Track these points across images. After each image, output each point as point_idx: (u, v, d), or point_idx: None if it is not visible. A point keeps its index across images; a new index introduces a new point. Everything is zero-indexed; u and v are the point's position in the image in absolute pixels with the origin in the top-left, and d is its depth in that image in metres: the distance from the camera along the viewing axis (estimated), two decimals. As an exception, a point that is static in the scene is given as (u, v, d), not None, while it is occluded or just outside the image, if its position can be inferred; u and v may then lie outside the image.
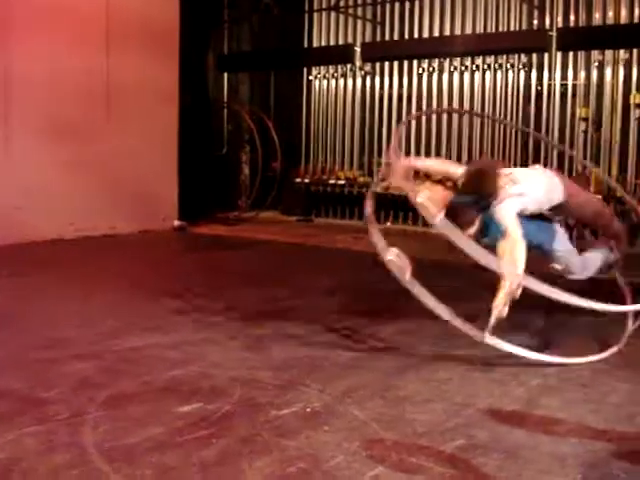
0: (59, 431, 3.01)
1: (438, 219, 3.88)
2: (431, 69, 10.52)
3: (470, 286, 5.69)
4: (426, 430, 3.12)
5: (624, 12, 9.00)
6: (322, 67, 11.53)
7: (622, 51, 9.01)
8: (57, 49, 8.44)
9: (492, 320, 3.98)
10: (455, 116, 10.43)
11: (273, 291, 6.07)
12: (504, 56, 9.90)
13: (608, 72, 9.12)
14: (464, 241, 3.74)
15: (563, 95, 9.46)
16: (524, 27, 9.84)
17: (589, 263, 4.93)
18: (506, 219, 4.27)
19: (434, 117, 10.52)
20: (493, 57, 9.99)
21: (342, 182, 11.13)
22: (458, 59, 10.25)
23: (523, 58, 9.82)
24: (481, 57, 10.07)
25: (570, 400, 3.55)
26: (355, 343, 4.49)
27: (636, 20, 8.94)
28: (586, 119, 9.30)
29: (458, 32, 10.21)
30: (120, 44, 9.03)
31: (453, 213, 4.30)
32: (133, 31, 9.17)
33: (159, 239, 9.29)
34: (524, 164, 8.74)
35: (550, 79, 9.52)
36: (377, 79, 11.05)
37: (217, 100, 12.06)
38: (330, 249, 8.61)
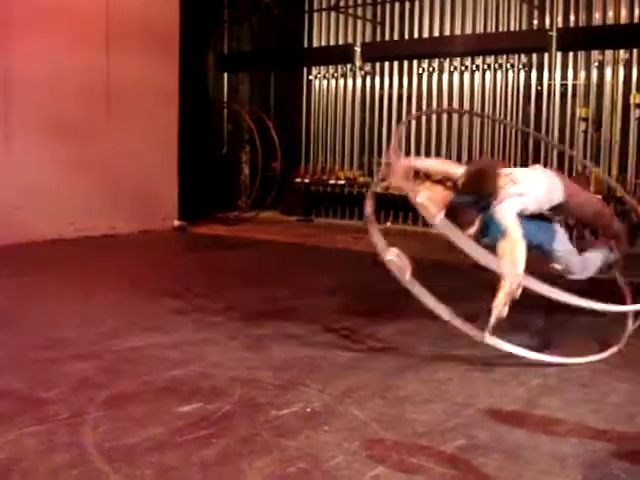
0: (59, 431, 3.01)
1: (438, 219, 3.88)
2: (431, 69, 10.52)
3: (470, 286, 5.69)
4: (426, 430, 3.12)
5: (624, 12, 9.00)
6: (322, 67, 11.53)
7: (622, 51, 9.01)
8: (57, 49, 8.44)
9: (492, 320, 3.98)
10: (455, 116, 10.43)
11: (273, 291, 6.06)
12: (504, 56, 9.90)
13: (608, 72, 9.12)
14: (464, 241, 3.74)
15: (563, 95, 9.46)
16: (524, 27, 9.84)
17: (589, 263, 4.94)
18: (506, 219, 4.27)
19: (434, 117, 10.52)
20: (493, 57, 9.99)
21: (342, 182, 11.13)
22: (458, 59, 10.25)
23: (523, 58, 9.82)
24: (481, 57, 10.08)
25: (570, 400, 3.55)
26: (355, 343, 4.49)
27: (636, 20, 8.94)
28: (586, 119, 9.30)
29: (458, 32, 10.21)
30: (120, 44, 9.03)
31: (453, 213, 4.30)
32: (133, 31, 9.17)
33: (159, 239, 9.29)
34: (524, 164, 8.74)
35: (550, 79, 9.52)
36: (377, 79, 11.05)
37: (217, 100, 12.06)
38: (330, 249, 8.61)
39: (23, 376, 3.71)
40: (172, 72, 9.90)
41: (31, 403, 3.32)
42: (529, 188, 4.50)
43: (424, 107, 10.50)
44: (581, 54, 9.34)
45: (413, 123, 10.46)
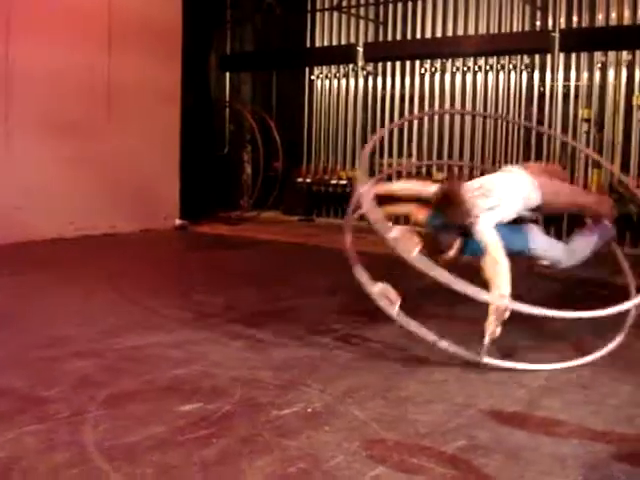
0: (59, 430, 3.01)
1: (413, 254, 3.91)
2: (433, 70, 10.50)
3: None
4: (427, 431, 3.11)
5: (627, 13, 8.98)
6: (324, 67, 11.52)
7: (625, 52, 9.00)
8: (58, 48, 8.44)
9: (486, 342, 3.98)
10: (456, 116, 10.42)
11: (274, 291, 6.07)
12: (506, 57, 9.88)
13: (611, 73, 9.11)
14: (439, 272, 3.75)
15: (565, 96, 9.44)
16: (527, 28, 9.82)
17: (577, 251, 4.87)
18: (485, 236, 4.19)
19: (435, 117, 10.51)
20: (495, 58, 9.98)
21: (344, 182, 11.10)
22: (460, 60, 10.24)
23: (526, 59, 9.80)
24: (484, 58, 10.06)
25: (571, 401, 3.55)
26: (356, 343, 4.49)
27: (639, 21, 8.93)
28: (588, 120, 9.28)
29: (461, 33, 10.20)
30: (122, 43, 9.03)
31: (432, 239, 4.29)
32: (135, 30, 9.17)
33: (160, 238, 9.29)
34: (526, 161, 8.76)
35: (552, 80, 9.50)
36: (379, 79, 11.03)
37: (219, 100, 12.07)
38: (331, 249, 8.58)
39: (24, 374, 3.71)
40: (174, 72, 9.90)
41: (31, 402, 3.33)
42: (502, 198, 4.40)
43: (426, 108, 10.49)
44: (584, 55, 9.33)
45: (415, 123, 10.46)
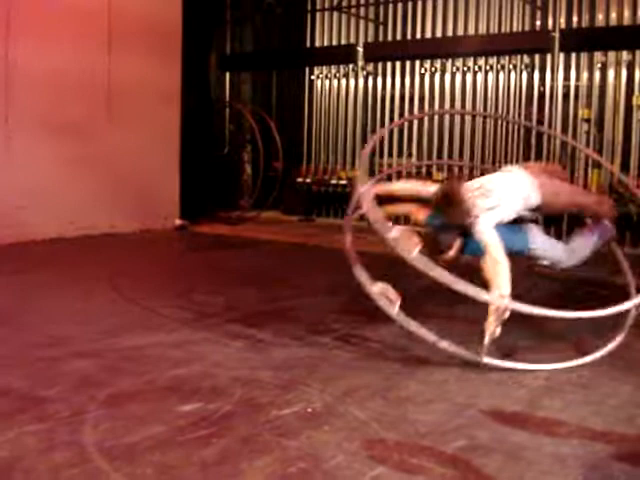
0: (59, 429, 3.01)
1: (413, 254, 3.92)
2: (433, 70, 10.51)
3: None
4: (427, 431, 3.11)
5: (627, 13, 8.98)
6: (324, 67, 11.52)
7: (625, 52, 9.00)
8: (59, 48, 8.44)
9: (486, 342, 3.98)
10: (456, 116, 10.42)
11: (274, 291, 6.07)
12: (506, 57, 9.89)
13: (611, 73, 9.11)
14: (439, 272, 3.76)
15: (565, 96, 9.44)
16: (527, 28, 9.83)
17: (576, 250, 4.86)
18: (485, 236, 4.19)
19: (435, 117, 10.51)
20: (495, 58, 9.98)
21: (344, 182, 11.10)
22: (461, 60, 10.25)
23: (526, 59, 9.81)
24: (484, 58, 10.06)
25: (571, 402, 3.55)
26: (356, 343, 4.48)
27: (639, 21, 8.93)
28: (588, 120, 9.29)
29: (461, 33, 10.21)
30: (122, 43, 9.03)
31: (432, 238, 4.29)
32: (135, 30, 9.17)
33: (160, 238, 9.29)
34: (526, 161, 8.76)
35: (552, 80, 9.50)
36: (379, 79, 11.03)
37: (219, 100, 12.07)
38: (331, 249, 8.59)
39: (24, 374, 3.71)
40: (174, 71, 9.90)
41: (32, 401, 3.33)
42: (502, 198, 4.39)
43: (426, 108, 10.49)
44: (584, 55, 9.33)
45: (415, 123, 10.46)
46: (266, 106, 12.14)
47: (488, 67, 10.08)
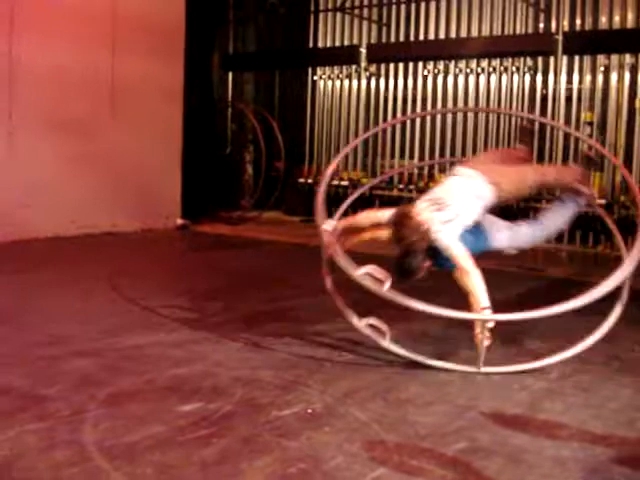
0: (60, 428, 3.01)
1: (384, 289, 4.00)
2: (436, 71, 10.50)
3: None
4: (428, 432, 3.11)
5: (630, 16, 8.97)
6: (327, 68, 11.51)
7: (628, 55, 8.99)
8: (62, 46, 8.44)
9: (481, 354, 3.98)
10: (457, 116, 10.40)
11: (275, 291, 6.06)
12: (510, 59, 9.88)
13: (614, 76, 9.10)
14: (415, 303, 3.94)
15: (568, 99, 9.43)
16: (530, 30, 9.83)
17: (552, 225, 4.79)
18: (450, 250, 4.13)
19: (436, 118, 10.50)
20: (499, 60, 9.97)
21: (345, 183, 11.10)
22: (464, 61, 10.24)
23: (529, 61, 9.80)
24: (487, 60, 10.05)
25: (572, 405, 3.55)
26: (356, 344, 4.48)
27: (642, 25, 8.93)
28: (591, 123, 9.28)
29: (464, 34, 10.20)
30: (126, 42, 9.03)
31: (402, 266, 4.26)
32: (139, 29, 9.17)
33: (161, 237, 9.29)
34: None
35: (555, 83, 9.50)
36: (382, 80, 11.03)
37: (222, 99, 12.07)
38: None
39: (24, 373, 3.71)
40: (177, 71, 9.91)
41: (32, 400, 3.33)
42: (458, 207, 4.29)
43: (428, 109, 10.49)
44: (587, 58, 9.33)
45: (417, 124, 10.46)
46: (268, 106, 12.15)
47: (491, 69, 10.07)
